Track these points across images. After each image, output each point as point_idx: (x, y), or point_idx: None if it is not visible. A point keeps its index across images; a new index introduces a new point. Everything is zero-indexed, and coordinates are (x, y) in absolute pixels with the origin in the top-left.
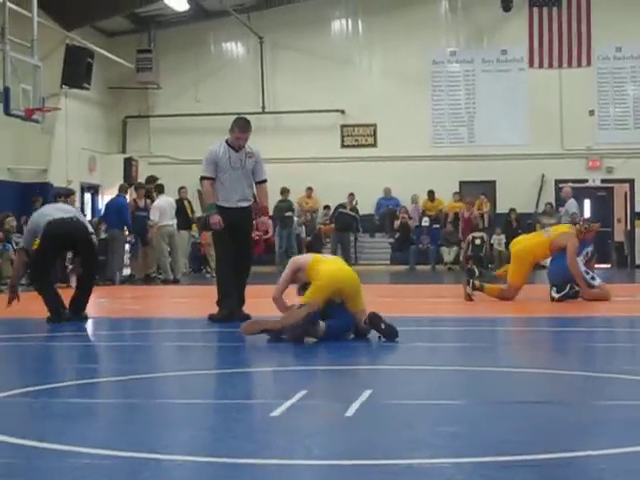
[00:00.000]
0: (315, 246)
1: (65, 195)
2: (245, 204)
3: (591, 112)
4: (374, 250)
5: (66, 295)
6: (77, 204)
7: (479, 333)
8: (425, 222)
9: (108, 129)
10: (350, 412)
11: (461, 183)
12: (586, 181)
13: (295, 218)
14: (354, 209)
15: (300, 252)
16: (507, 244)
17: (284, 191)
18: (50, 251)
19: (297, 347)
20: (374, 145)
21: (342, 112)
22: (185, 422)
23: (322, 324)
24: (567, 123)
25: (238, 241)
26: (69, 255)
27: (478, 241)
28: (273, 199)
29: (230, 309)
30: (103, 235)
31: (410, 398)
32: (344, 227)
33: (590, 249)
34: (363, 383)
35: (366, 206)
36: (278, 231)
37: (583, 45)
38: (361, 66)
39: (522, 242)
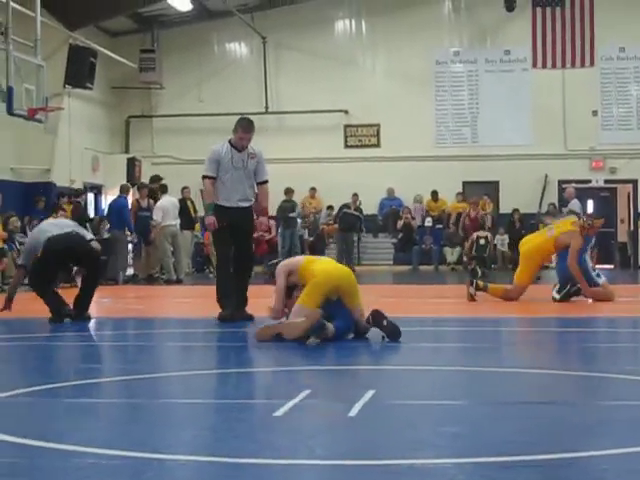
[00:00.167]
0: (318, 246)
1: (69, 195)
2: (246, 204)
3: (594, 112)
4: (377, 250)
5: (70, 294)
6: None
7: (482, 333)
8: (428, 222)
9: (111, 129)
10: (353, 412)
11: (464, 183)
12: (589, 181)
13: (299, 220)
14: (358, 209)
15: (303, 252)
16: (510, 245)
17: (288, 191)
18: (52, 265)
19: (300, 347)
20: (377, 145)
21: (345, 112)
22: (188, 422)
23: (331, 326)
24: (570, 123)
25: (239, 241)
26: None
27: (482, 241)
28: (277, 199)
29: (230, 309)
30: (106, 235)
31: (413, 398)
32: (348, 227)
33: (592, 244)
34: (366, 383)
35: (369, 206)
36: (281, 231)
37: (586, 45)
38: (364, 66)
39: (530, 241)
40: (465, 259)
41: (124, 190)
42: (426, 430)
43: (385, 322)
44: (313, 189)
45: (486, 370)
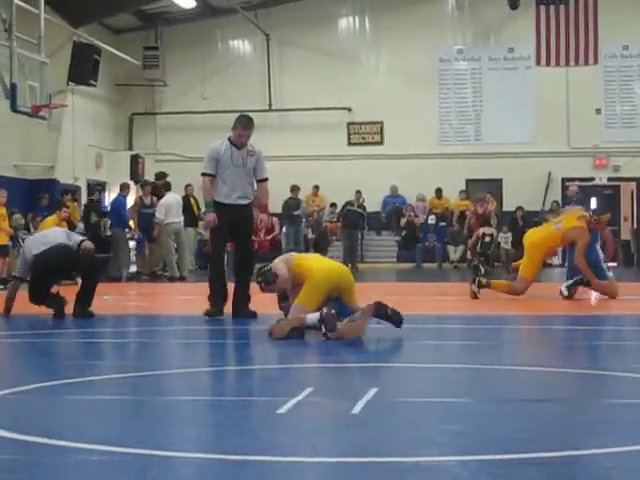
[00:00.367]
0: (321, 244)
1: (72, 192)
2: (245, 202)
3: (598, 110)
4: (380, 248)
5: (71, 291)
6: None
7: (485, 331)
8: (431, 220)
9: (115, 126)
10: (356, 410)
11: (467, 181)
12: (593, 179)
13: (303, 219)
14: (361, 206)
15: (307, 250)
16: (513, 242)
17: (294, 189)
18: (44, 280)
19: (303, 345)
20: (381, 143)
21: (349, 110)
22: (191, 419)
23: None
24: (574, 121)
25: (239, 239)
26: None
27: (488, 238)
28: (281, 197)
29: (220, 306)
30: (109, 232)
31: (416, 396)
32: (352, 225)
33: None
34: (369, 381)
35: (372, 204)
36: (286, 229)
37: (590, 43)
38: (368, 64)
39: (534, 234)
40: (469, 255)
41: (123, 188)
42: (429, 428)
43: (389, 312)
44: (316, 187)
45: (489, 368)
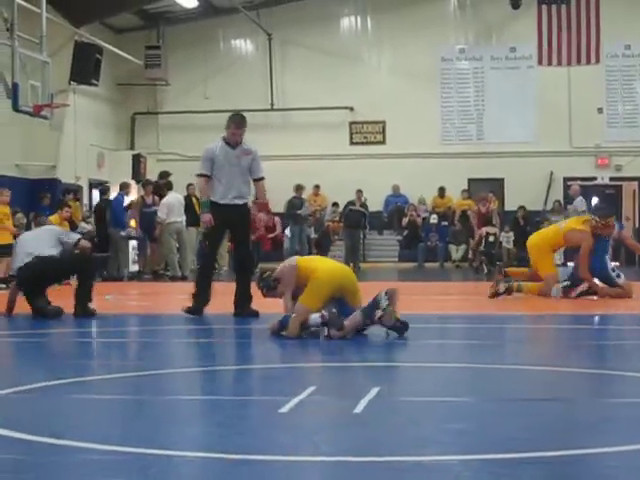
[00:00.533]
0: (323, 244)
1: (75, 192)
2: (241, 201)
3: (600, 110)
4: (382, 247)
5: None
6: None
7: (487, 330)
8: (433, 219)
9: (117, 125)
10: (358, 409)
11: (470, 180)
12: (595, 179)
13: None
14: (363, 205)
15: (310, 250)
16: (515, 242)
17: (298, 188)
18: (36, 285)
19: (305, 344)
20: (383, 142)
21: (351, 109)
22: (193, 418)
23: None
24: (576, 121)
25: (237, 239)
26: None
27: (492, 237)
28: (284, 195)
29: (201, 304)
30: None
31: (418, 395)
32: (354, 224)
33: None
34: (371, 380)
35: (374, 203)
36: (290, 227)
37: (592, 43)
38: (370, 63)
39: (536, 236)
40: (471, 255)
41: (121, 188)
42: (431, 427)
43: (399, 323)
44: (317, 186)
45: (491, 367)
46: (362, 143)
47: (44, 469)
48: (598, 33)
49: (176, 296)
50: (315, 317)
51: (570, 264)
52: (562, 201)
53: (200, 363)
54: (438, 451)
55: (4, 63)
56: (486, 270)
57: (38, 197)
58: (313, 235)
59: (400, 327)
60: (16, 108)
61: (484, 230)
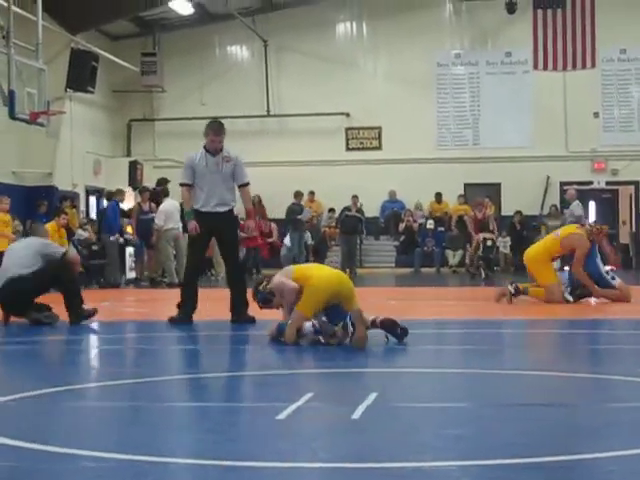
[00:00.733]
0: (321, 250)
1: (72, 199)
2: (224, 209)
3: (596, 114)
4: (379, 253)
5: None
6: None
7: (484, 335)
8: (430, 225)
9: (113, 132)
10: (356, 415)
11: (466, 185)
12: (591, 183)
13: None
14: (359, 210)
15: (307, 256)
16: (512, 247)
17: (298, 195)
18: (18, 303)
19: (302, 350)
20: (379, 148)
21: (347, 115)
22: (190, 425)
23: (338, 330)
24: (572, 125)
25: (223, 247)
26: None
27: (489, 242)
28: (281, 201)
29: (186, 313)
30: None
31: (416, 401)
32: (351, 230)
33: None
34: (369, 386)
35: (371, 209)
36: (290, 233)
37: (587, 47)
38: (366, 69)
39: (533, 249)
40: (469, 261)
41: (116, 195)
42: (429, 432)
43: (399, 330)
44: (312, 193)
45: (489, 372)
46: (358, 149)
47: (40, 476)
48: (593, 38)
49: (173, 303)
50: (307, 326)
51: (567, 268)
52: (559, 206)
53: (197, 370)
54: (437, 457)
55: (0, 71)
56: (484, 275)
57: (35, 204)
58: (310, 241)
59: (400, 333)
60: (12, 115)
61: (481, 236)
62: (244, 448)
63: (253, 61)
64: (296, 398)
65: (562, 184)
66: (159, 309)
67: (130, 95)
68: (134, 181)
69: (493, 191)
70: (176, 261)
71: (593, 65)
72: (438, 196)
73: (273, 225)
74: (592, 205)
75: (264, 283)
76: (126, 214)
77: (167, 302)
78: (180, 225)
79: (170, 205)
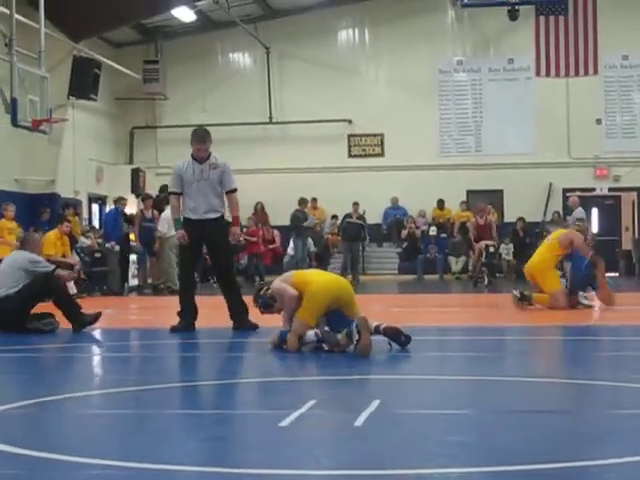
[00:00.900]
0: (323, 257)
1: (74, 206)
2: (213, 215)
3: (598, 121)
4: (382, 260)
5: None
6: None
7: (486, 342)
8: (432, 231)
9: (115, 140)
10: (359, 422)
11: (468, 192)
12: (593, 190)
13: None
14: (361, 217)
15: (310, 263)
16: (515, 253)
17: (302, 202)
18: (11, 321)
19: (305, 358)
20: (381, 155)
21: (349, 122)
22: (194, 433)
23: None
24: (574, 132)
25: (213, 254)
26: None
27: (492, 249)
28: (285, 208)
29: (187, 321)
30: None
31: (418, 408)
32: (353, 237)
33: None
34: (372, 393)
35: (373, 216)
36: (293, 240)
37: (590, 54)
38: (368, 76)
39: (533, 260)
40: (473, 268)
41: (116, 202)
42: (432, 440)
43: (403, 338)
44: (314, 200)
45: (492, 379)
46: (360, 156)
47: None
48: (596, 44)
49: (175, 310)
50: (310, 334)
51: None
52: (561, 212)
53: (200, 377)
54: (439, 464)
55: (3, 78)
56: (487, 281)
57: (37, 212)
58: (313, 248)
59: (403, 341)
60: (15, 123)
61: (482, 243)
62: (247, 455)
63: (255, 68)
64: (299, 405)
65: (565, 191)
66: (162, 316)
67: (132, 102)
68: (136, 188)
69: (496, 198)
70: (178, 268)
71: (595, 72)
72: (440, 203)
73: (276, 232)
74: (595, 212)
75: (264, 288)
76: (129, 220)
77: (170, 309)
78: None
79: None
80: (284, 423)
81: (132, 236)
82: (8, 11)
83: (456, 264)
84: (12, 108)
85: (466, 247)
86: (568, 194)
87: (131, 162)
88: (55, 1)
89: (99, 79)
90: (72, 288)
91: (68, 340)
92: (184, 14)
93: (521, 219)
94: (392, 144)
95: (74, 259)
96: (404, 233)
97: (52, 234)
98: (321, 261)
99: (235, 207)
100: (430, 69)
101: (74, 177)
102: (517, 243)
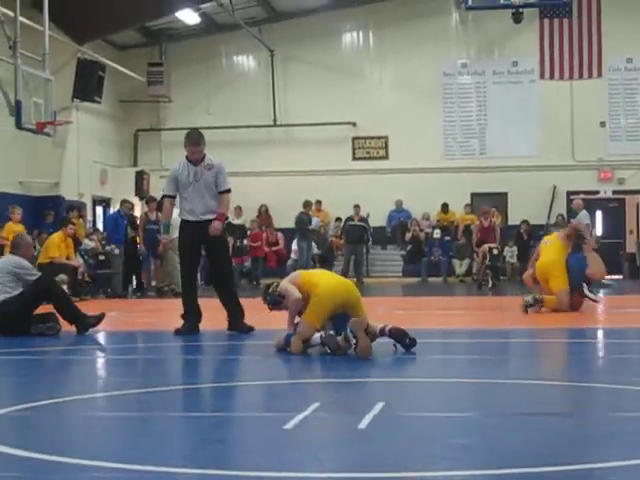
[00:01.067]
0: (328, 259)
1: (79, 209)
2: (211, 216)
3: (602, 123)
4: (386, 262)
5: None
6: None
7: (490, 345)
8: (436, 234)
9: (120, 142)
10: (363, 425)
11: (473, 195)
12: (597, 192)
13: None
14: (363, 219)
15: (314, 265)
16: (519, 256)
17: (307, 204)
18: (12, 326)
19: (309, 360)
20: (385, 157)
21: (353, 124)
22: (198, 435)
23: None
24: (578, 134)
25: (212, 255)
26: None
27: (495, 251)
28: (289, 211)
29: (191, 324)
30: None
31: (422, 410)
32: (355, 240)
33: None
34: (376, 395)
35: (377, 218)
36: (298, 242)
37: (594, 56)
38: (372, 78)
39: (543, 260)
40: (477, 271)
41: (120, 204)
42: (436, 442)
43: (407, 340)
44: (319, 202)
45: (495, 382)
46: (365, 158)
47: None
48: (600, 47)
49: (179, 313)
50: (316, 337)
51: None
52: (565, 215)
53: (204, 380)
54: (443, 466)
55: (7, 80)
56: (491, 284)
57: (42, 214)
58: (316, 251)
59: (408, 343)
60: (19, 125)
61: (486, 246)
62: (251, 458)
63: (259, 71)
64: (303, 408)
65: (569, 193)
66: (165, 319)
67: (137, 105)
68: (141, 191)
69: (500, 200)
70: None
71: (599, 74)
72: (444, 207)
73: (279, 234)
74: (599, 214)
75: (274, 285)
76: (133, 223)
77: (173, 312)
78: None
79: (176, 215)
80: (288, 426)
81: (138, 239)
82: (12, 14)
83: (460, 267)
84: (16, 110)
85: (470, 250)
86: (572, 197)
87: (135, 165)
88: (59, 4)
89: (103, 81)
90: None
91: (71, 342)
92: (188, 17)
93: (525, 222)
94: (396, 147)
95: (78, 261)
96: (408, 236)
97: (56, 236)
98: (325, 263)
99: (223, 205)
100: (434, 72)
101: (78, 179)
102: (521, 246)
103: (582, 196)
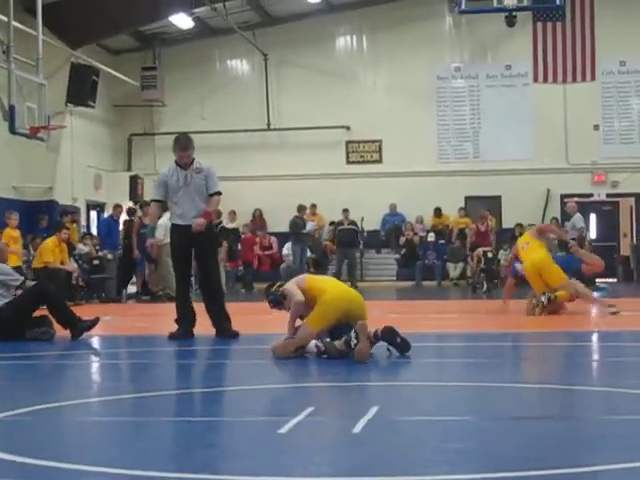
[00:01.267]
0: (322, 263)
1: (72, 213)
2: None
3: (596, 126)
4: (380, 266)
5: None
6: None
7: (485, 349)
8: (431, 238)
9: (113, 147)
10: (357, 429)
11: (466, 198)
12: (591, 195)
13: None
14: (352, 223)
15: (308, 269)
16: None
17: (301, 208)
18: (10, 331)
19: (303, 364)
20: (379, 161)
21: (347, 128)
22: (192, 440)
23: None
24: (572, 138)
25: (200, 259)
26: None
27: (490, 254)
28: (283, 215)
29: (185, 329)
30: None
31: (417, 414)
32: (347, 244)
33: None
34: (370, 400)
35: (371, 222)
36: (291, 246)
37: (587, 60)
38: (366, 82)
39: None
40: (472, 274)
41: (114, 209)
42: (430, 446)
43: (399, 339)
44: (314, 206)
45: (490, 385)
46: (358, 162)
47: None
48: (593, 50)
49: (174, 317)
50: (311, 345)
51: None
52: (559, 218)
53: (198, 384)
54: (438, 471)
55: (1, 85)
56: (485, 287)
57: (36, 219)
58: (309, 254)
59: (400, 343)
60: (13, 130)
61: (480, 250)
62: (246, 463)
63: (253, 75)
64: (297, 412)
65: (562, 196)
66: (160, 323)
67: (130, 109)
68: (135, 195)
69: (494, 204)
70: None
71: (593, 78)
72: (437, 211)
73: (273, 238)
74: (593, 217)
75: (277, 285)
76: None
77: (168, 316)
78: None
79: (167, 219)
80: (282, 430)
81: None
82: (6, 18)
83: (454, 270)
84: (10, 115)
85: (464, 253)
86: (566, 200)
87: (129, 169)
88: (53, 8)
89: (97, 86)
90: None
91: (66, 347)
92: (182, 21)
93: (519, 225)
94: (390, 150)
95: (72, 266)
96: (402, 239)
97: (50, 241)
98: (319, 267)
99: (211, 205)
100: (428, 75)
101: (72, 184)
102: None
103: (576, 199)
